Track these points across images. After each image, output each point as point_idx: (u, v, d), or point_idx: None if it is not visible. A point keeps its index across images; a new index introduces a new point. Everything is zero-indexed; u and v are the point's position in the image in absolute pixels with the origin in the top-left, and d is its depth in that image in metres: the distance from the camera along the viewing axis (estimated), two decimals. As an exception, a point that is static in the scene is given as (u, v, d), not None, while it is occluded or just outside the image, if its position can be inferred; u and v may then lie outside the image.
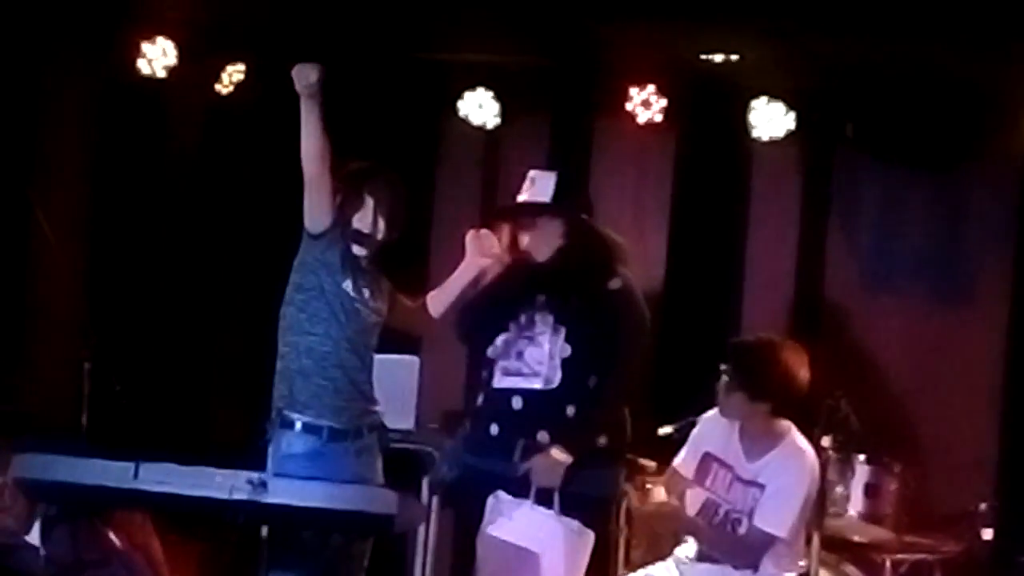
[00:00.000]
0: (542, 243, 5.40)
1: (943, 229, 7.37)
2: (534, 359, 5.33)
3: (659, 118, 7.43)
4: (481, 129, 7.72)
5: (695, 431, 5.68)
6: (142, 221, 7.63)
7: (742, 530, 5.46)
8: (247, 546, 5.38)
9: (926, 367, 7.25)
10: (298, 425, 5.17)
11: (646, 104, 7.42)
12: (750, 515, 5.44)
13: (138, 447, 5.12)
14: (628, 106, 7.43)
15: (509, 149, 7.85)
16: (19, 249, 7.13)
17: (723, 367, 5.52)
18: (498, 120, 7.67)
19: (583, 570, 5.24)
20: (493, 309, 5.45)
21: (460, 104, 7.65)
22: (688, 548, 5.62)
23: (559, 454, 5.21)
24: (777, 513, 5.40)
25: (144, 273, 7.64)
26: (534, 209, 5.42)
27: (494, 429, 5.35)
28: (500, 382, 5.39)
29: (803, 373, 5.49)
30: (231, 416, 7.28)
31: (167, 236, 7.72)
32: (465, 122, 7.69)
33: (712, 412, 5.71)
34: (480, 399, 5.46)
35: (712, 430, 5.62)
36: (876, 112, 7.10)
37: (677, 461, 5.71)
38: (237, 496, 4.71)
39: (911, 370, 7.26)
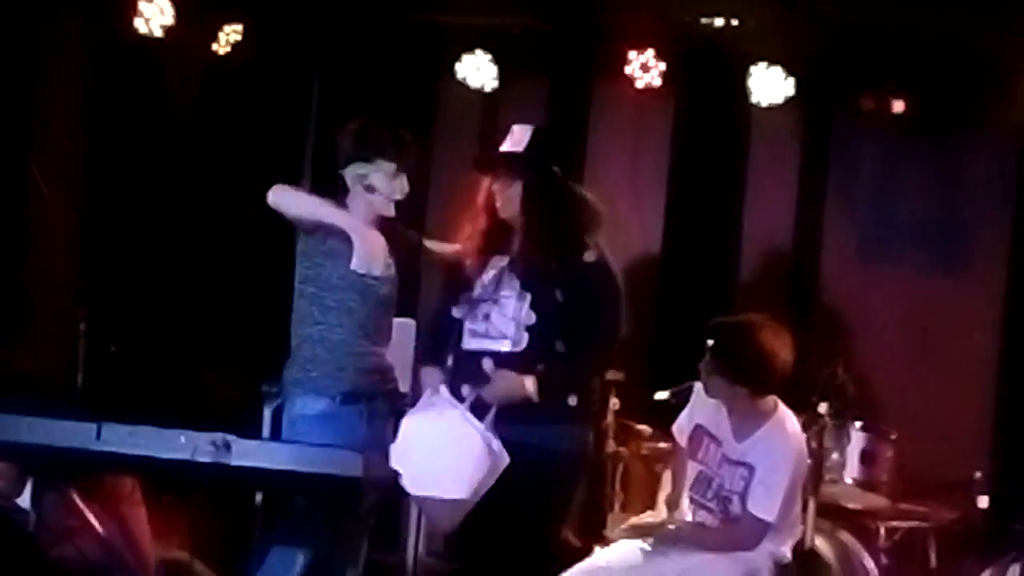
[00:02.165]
0: (514, 201, 5.34)
1: (941, 196, 7.36)
2: (500, 322, 5.28)
3: (658, 82, 7.40)
4: (479, 92, 7.69)
5: (692, 399, 5.64)
6: (138, 181, 7.60)
7: (734, 508, 5.44)
8: (243, 512, 5.41)
9: (923, 334, 7.24)
10: (311, 388, 5.15)
11: (645, 68, 7.39)
12: (742, 497, 5.41)
13: (133, 408, 5.14)
14: (627, 70, 7.40)
15: (507, 112, 7.81)
16: (15, 210, 7.10)
17: (709, 343, 5.44)
18: (496, 83, 7.64)
19: (482, 490, 5.09)
20: (459, 266, 5.40)
21: (458, 67, 7.62)
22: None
23: (527, 381, 5.17)
24: (769, 499, 5.35)
25: (140, 234, 7.60)
26: (505, 159, 5.36)
27: (466, 390, 5.27)
28: (468, 343, 5.33)
29: (784, 355, 5.36)
30: (227, 377, 7.27)
31: (163, 196, 7.68)
32: (463, 85, 7.66)
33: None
34: (450, 360, 5.37)
35: (705, 402, 5.57)
36: (876, 79, 7.07)
37: (675, 431, 5.67)
38: (201, 458, 4.70)
39: (908, 337, 7.26)
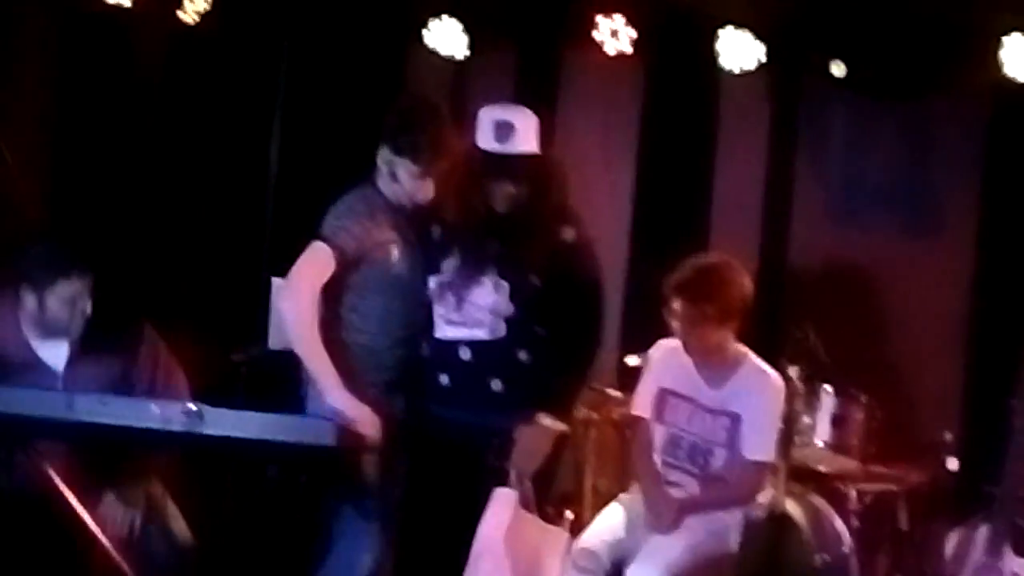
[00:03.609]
0: (512, 196, 5.14)
1: (911, 161, 7.36)
2: (476, 310, 5.18)
3: (628, 48, 7.37)
4: (448, 59, 7.66)
5: (646, 372, 5.63)
6: (105, 151, 7.56)
7: (715, 460, 5.46)
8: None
9: (893, 298, 7.26)
10: None
11: (614, 34, 7.36)
12: (727, 446, 5.43)
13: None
14: (596, 36, 7.38)
15: (476, 80, 7.80)
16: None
17: (676, 303, 5.41)
18: (465, 50, 7.61)
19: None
20: (431, 245, 5.26)
21: (427, 34, 7.59)
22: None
23: (548, 420, 5.11)
24: (763, 439, 5.42)
25: (108, 205, 7.57)
26: (523, 162, 5.13)
27: (444, 380, 5.23)
28: (443, 332, 5.22)
29: (749, 281, 5.45)
30: (200, 347, 7.25)
31: (131, 167, 7.65)
32: (432, 52, 7.63)
33: (659, 349, 5.65)
34: (425, 349, 5.28)
35: (666, 365, 5.58)
36: (845, 43, 7.06)
37: (635, 410, 5.65)
38: (173, 427, 4.70)
39: (878, 301, 7.27)
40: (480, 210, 5.18)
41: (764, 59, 7.17)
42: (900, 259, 7.28)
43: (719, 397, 5.48)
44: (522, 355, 5.17)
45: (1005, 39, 6.68)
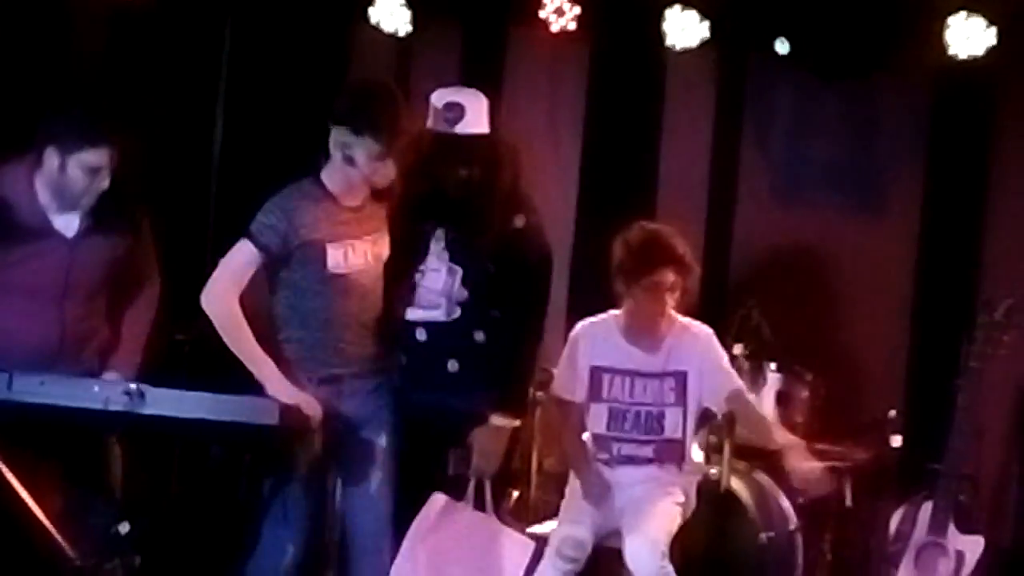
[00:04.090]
0: (466, 181, 5.11)
1: (856, 139, 7.39)
2: (431, 293, 5.16)
3: (573, 26, 7.34)
4: (392, 36, 7.61)
5: (567, 354, 5.58)
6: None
7: (667, 422, 5.47)
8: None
9: (837, 276, 7.28)
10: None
11: (559, 12, 7.33)
12: (680, 403, 5.45)
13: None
14: (541, 14, 7.35)
15: (421, 57, 7.76)
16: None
17: (663, 275, 5.40)
18: (409, 27, 7.56)
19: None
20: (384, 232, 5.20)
21: (371, 11, 7.54)
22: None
23: (500, 420, 5.11)
24: (724, 376, 5.47)
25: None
26: (473, 143, 5.10)
27: (402, 360, 5.22)
28: (399, 313, 5.21)
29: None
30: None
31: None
32: (376, 29, 7.58)
33: (581, 329, 5.64)
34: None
35: (593, 344, 5.56)
36: (790, 21, 7.07)
37: (563, 394, 5.64)
38: (114, 407, 4.66)
39: (822, 279, 7.29)
40: (431, 195, 5.16)
41: (708, 36, 7.16)
42: (845, 237, 7.31)
43: (659, 361, 5.49)
44: (478, 336, 5.17)
45: (950, 19, 6.70)
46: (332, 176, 5.10)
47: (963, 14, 6.68)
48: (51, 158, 5.09)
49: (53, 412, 4.72)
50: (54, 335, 5.12)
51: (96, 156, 5.08)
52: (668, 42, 7.20)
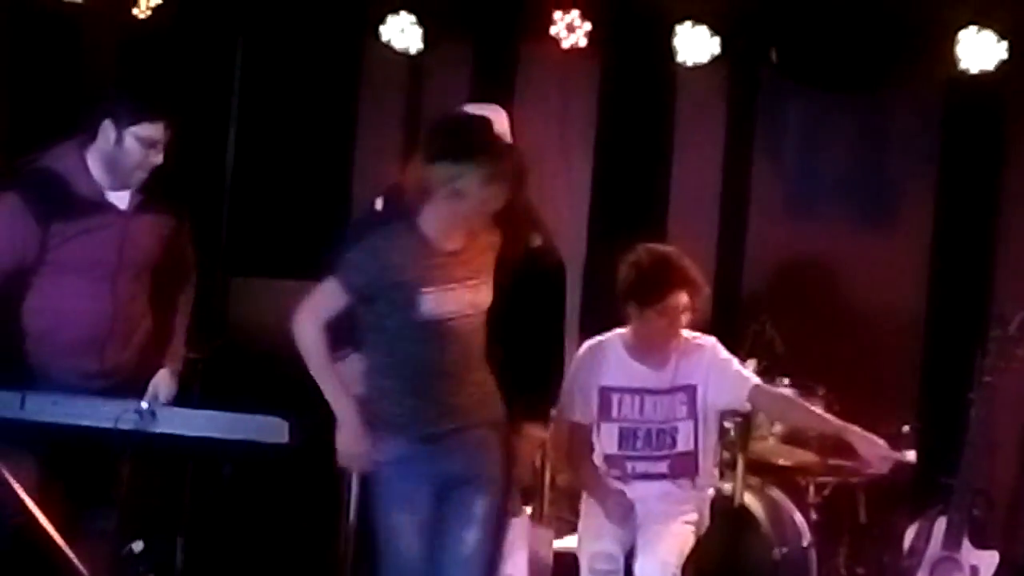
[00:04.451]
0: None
1: (867, 153, 7.39)
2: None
3: (583, 43, 7.36)
4: (404, 54, 7.63)
5: (572, 375, 5.54)
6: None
7: (680, 436, 5.47)
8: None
9: (850, 291, 7.28)
10: None
11: (570, 28, 7.35)
12: (692, 416, 5.44)
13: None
14: (552, 31, 7.36)
15: (432, 75, 7.78)
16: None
17: (677, 297, 5.39)
18: (421, 45, 7.58)
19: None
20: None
21: (382, 29, 7.55)
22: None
23: (535, 430, 5.09)
24: (738, 379, 5.46)
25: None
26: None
27: None
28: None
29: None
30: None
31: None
32: (388, 47, 7.60)
33: (586, 351, 5.64)
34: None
35: (598, 364, 5.55)
36: (800, 36, 7.08)
37: (571, 416, 5.59)
38: (124, 426, 4.67)
39: (835, 294, 7.29)
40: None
41: (719, 52, 7.17)
42: (858, 252, 7.31)
43: (667, 377, 5.48)
44: (497, 352, 5.16)
45: (961, 33, 6.70)
46: (429, 218, 4.81)
47: (974, 28, 6.69)
48: (107, 131, 5.13)
49: (64, 431, 4.74)
50: (106, 314, 5.14)
51: (152, 129, 5.13)
52: (679, 58, 7.21)
